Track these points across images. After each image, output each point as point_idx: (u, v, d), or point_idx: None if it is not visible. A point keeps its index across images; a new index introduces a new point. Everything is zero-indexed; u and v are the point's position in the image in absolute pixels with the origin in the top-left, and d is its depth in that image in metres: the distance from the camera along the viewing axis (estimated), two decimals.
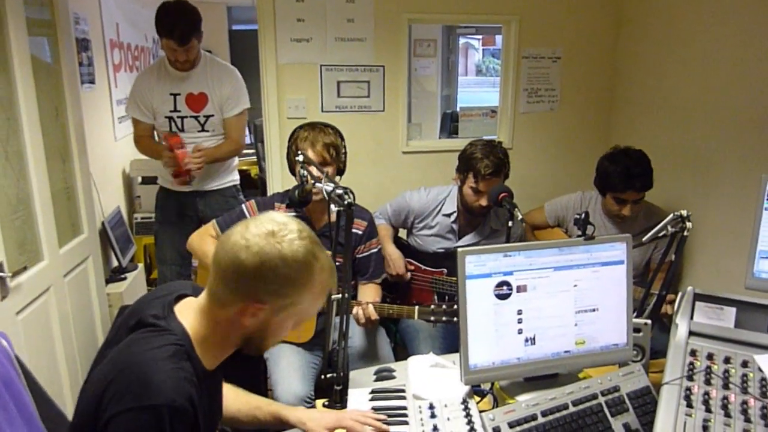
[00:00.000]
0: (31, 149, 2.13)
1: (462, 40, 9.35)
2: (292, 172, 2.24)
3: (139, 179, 4.09)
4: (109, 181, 3.74)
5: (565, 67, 3.11)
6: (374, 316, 2.05)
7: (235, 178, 3.07)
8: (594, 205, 2.60)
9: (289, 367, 2.08)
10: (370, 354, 2.21)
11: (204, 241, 2.20)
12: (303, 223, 1.14)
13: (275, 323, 1.12)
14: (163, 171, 2.96)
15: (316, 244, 1.12)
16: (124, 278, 3.37)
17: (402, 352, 2.40)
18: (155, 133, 2.96)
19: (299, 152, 1.91)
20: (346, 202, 1.38)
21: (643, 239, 1.70)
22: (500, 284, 1.46)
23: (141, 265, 3.65)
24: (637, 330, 1.63)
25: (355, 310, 2.05)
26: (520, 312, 1.48)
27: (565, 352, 1.53)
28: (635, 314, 1.73)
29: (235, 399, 1.47)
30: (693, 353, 1.50)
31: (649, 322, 1.64)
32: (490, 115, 3.18)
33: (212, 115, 2.82)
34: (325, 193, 1.49)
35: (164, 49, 2.70)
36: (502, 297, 1.46)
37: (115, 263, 3.52)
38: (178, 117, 2.81)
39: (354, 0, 2.78)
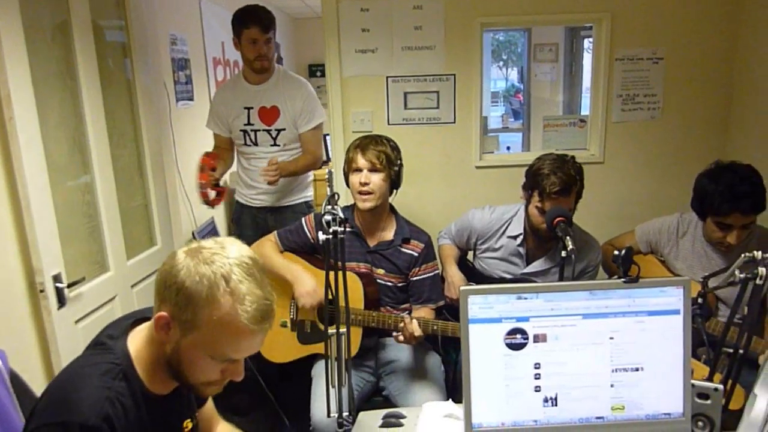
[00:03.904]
0: (97, 165, 2.24)
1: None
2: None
3: None
4: None
5: (669, 69, 2.68)
6: (417, 332, 1.91)
7: (307, 195, 3.06)
8: (694, 230, 2.19)
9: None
10: (416, 378, 2.06)
11: (262, 245, 2.22)
12: (245, 251, 1.08)
13: (185, 347, 1.06)
14: (238, 185, 3.04)
15: (242, 271, 1.04)
16: None
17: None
18: (234, 146, 3.03)
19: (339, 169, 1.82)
20: (331, 230, 1.25)
21: (718, 284, 1.36)
22: (513, 331, 1.24)
23: None
24: (703, 396, 1.30)
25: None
26: (537, 366, 1.24)
27: (597, 418, 1.26)
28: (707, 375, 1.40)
29: None
30: None
31: (720, 387, 1.30)
32: (578, 125, 2.85)
33: (284, 129, 2.82)
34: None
35: (244, 47, 2.72)
36: (515, 347, 1.24)
37: None
38: (251, 130, 2.85)
39: (422, 6, 2.63)
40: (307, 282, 2.07)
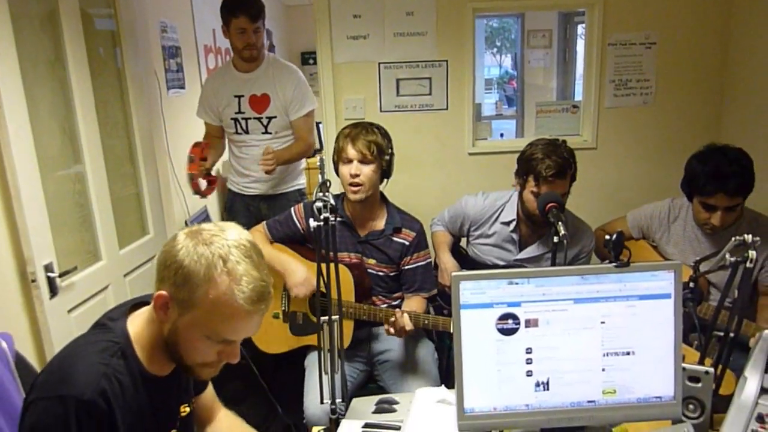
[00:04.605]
0: (88, 154, 2.23)
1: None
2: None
3: None
4: None
5: (662, 54, 2.68)
6: (408, 326, 1.90)
7: (300, 183, 3.05)
8: (685, 214, 2.20)
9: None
10: (409, 367, 2.07)
11: (251, 236, 2.18)
12: (245, 234, 1.11)
13: (183, 327, 1.08)
14: (230, 173, 3.03)
15: (240, 253, 1.07)
16: None
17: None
18: (225, 134, 3.01)
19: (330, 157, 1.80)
20: (322, 217, 1.24)
21: (709, 268, 1.36)
22: (504, 317, 1.23)
23: None
24: (694, 379, 1.31)
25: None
26: (529, 350, 1.24)
27: (589, 402, 1.26)
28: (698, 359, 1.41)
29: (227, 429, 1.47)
30: (761, 419, 1.17)
31: (710, 370, 1.31)
32: (571, 111, 2.84)
33: (275, 117, 2.81)
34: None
35: (233, 36, 2.70)
36: (507, 332, 1.24)
37: None
38: (242, 118, 2.83)
39: None
40: (299, 272, 2.04)
